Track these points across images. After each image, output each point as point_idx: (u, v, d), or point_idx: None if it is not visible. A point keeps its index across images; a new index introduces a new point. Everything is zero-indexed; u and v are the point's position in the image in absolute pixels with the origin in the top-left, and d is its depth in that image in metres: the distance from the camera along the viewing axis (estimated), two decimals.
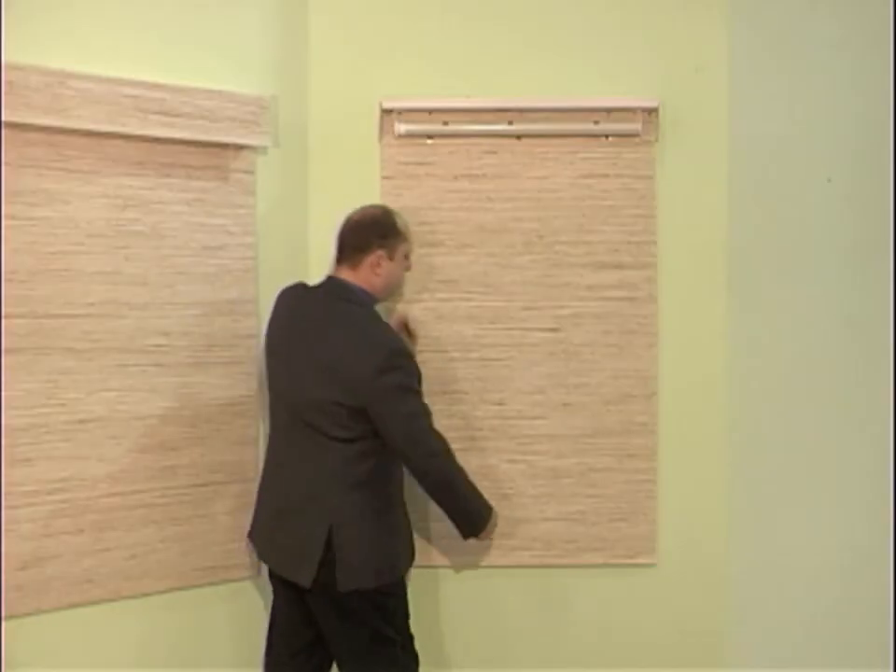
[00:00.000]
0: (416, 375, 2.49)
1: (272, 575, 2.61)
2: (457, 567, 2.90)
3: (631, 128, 2.86)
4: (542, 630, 2.95)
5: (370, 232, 2.55)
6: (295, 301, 2.61)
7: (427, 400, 2.51)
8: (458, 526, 2.63)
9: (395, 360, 2.44)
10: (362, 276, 2.55)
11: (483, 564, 2.89)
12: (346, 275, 2.56)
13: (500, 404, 2.89)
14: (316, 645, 2.59)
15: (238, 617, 2.76)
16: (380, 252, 2.55)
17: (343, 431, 2.43)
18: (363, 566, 2.43)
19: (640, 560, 2.93)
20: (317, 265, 2.85)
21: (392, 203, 2.85)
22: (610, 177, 2.90)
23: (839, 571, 2.99)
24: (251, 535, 2.66)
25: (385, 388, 2.40)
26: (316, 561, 2.41)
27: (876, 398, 2.98)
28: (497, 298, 2.88)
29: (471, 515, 2.62)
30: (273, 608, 2.66)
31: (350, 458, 2.45)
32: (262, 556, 2.63)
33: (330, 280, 2.58)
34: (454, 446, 2.59)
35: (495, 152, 2.88)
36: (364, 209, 2.60)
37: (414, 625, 2.68)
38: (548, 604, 2.94)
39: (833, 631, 3.00)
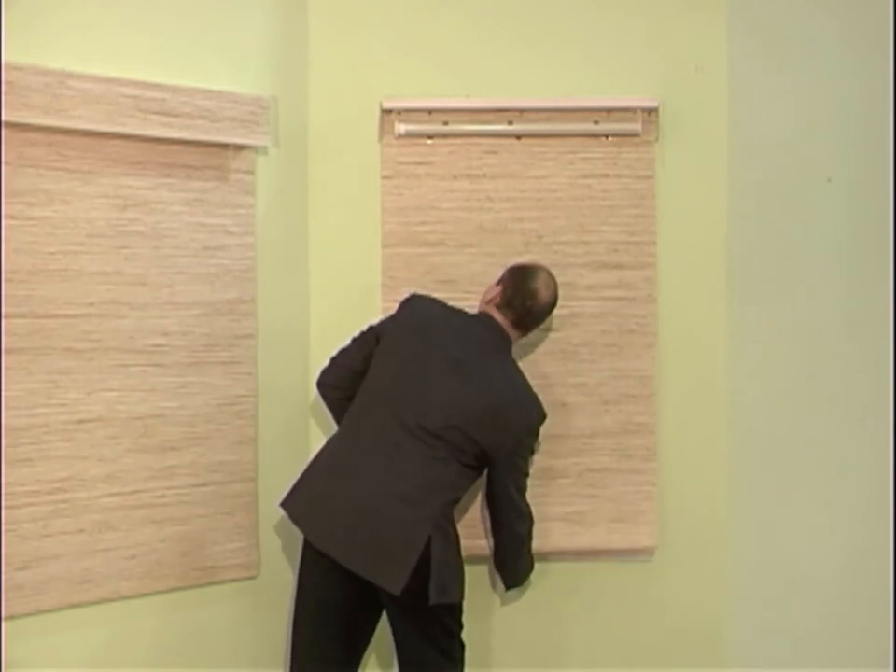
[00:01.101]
0: None
1: (323, 564, 2.51)
2: None
3: (631, 128, 2.86)
4: (541, 629, 2.95)
5: (548, 315, 2.75)
6: (443, 320, 2.65)
7: None
8: (504, 576, 2.78)
9: (539, 426, 2.67)
10: (518, 337, 2.71)
11: (477, 556, 2.88)
12: (510, 332, 2.66)
13: None
14: (356, 638, 2.62)
15: (238, 617, 2.76)
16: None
17: (461, 456, 2.53)
18: (454, 581, 2.51)
19: (640, 560, 2.93)
20: (317, 265, 2.86)
21: (392, 204, 2.86)
22: (610, 177, 2.90)
23: (839, 571, 2.99)
24: (287, 506, 2.58)
25: (525, 448, 2.64)
26: (410, 569, 2.39)
27: (876, 397, 2.98)
28: None
29: (519, 573, 2.79)
30: (311, 598, 2.58)
31: (455, 479, 2.54)
32: (328, 547, 2.49)
33: (495, 324, 2.65)
34: None
35: (495, 152, 2.88)
36: (549, 285, 2.70)
37: None
38: (546, 603, 2.94)
39: (833, 631, 3.00)
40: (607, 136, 2.87)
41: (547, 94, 2.87)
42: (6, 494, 2.41)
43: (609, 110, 2.86)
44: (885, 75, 2.93)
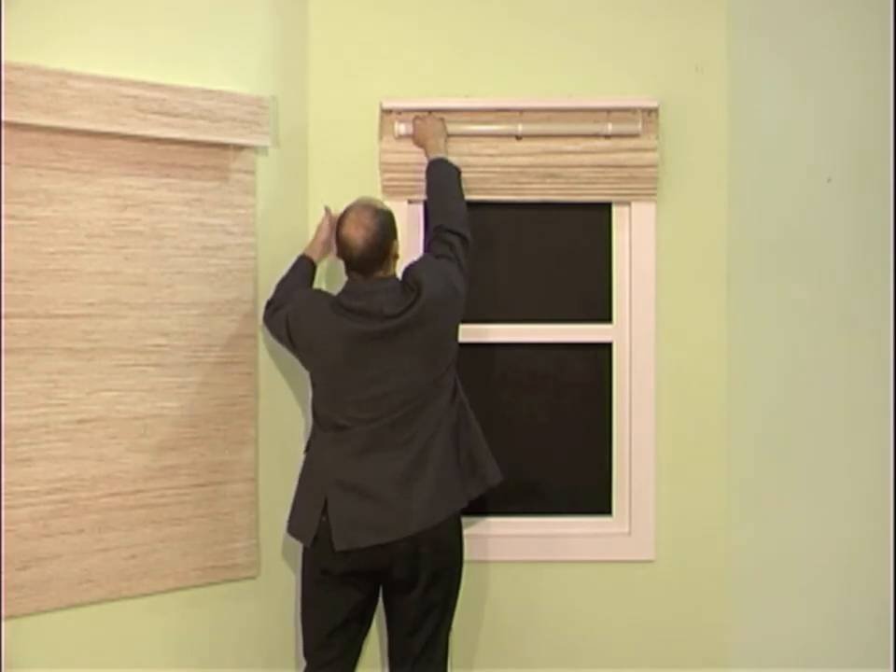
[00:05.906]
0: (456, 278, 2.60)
1: (347, 572, 2.52)
2: None
3: (631, 128, 2.86)
4: (540, 629, 2.95)
5: (385, 241, 2.55)
6: (333, 319, 2.53)
7: None
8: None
9: (447, 284, 2.56)
10: (391, 270, 2.61)
11: (475, 559, 2.88)
12: (360, 277, 2.56)
13: None
14: (364, 630, 2.64)
15: (238, 617, 2.76)
16: (395, 242, 2.61)
17: (446, 392, 2.55)
18: (491, 464, 2.61)
19: (639, 558, 2.93)
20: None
21: (392, 203, 2.86)
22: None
23: (839, 571, 2.99)
24: (295, 531, 2.59)
25: (454, 288, 2.57)
26: (467, 478, 2.56)
27: (876, 397, 2.98)
28: None
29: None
30: (329, 607, 2.56)
31: (449, 405, 2.56)
32: (366, 539, 2.48)
33: (353, 285, 2.57)
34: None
35: (494, 152, 2.87)
36: (360, 221, 2.53)
37: None
38: (547, 602, 2.94)
39: (834, 631, 3.00)
40: (607, 136, 2.86)
41: (547, 94, 2.87)
42: (6, 494, 2.41)
43: (609, 110, 2.86)
44: (885, 75, 2.93)
